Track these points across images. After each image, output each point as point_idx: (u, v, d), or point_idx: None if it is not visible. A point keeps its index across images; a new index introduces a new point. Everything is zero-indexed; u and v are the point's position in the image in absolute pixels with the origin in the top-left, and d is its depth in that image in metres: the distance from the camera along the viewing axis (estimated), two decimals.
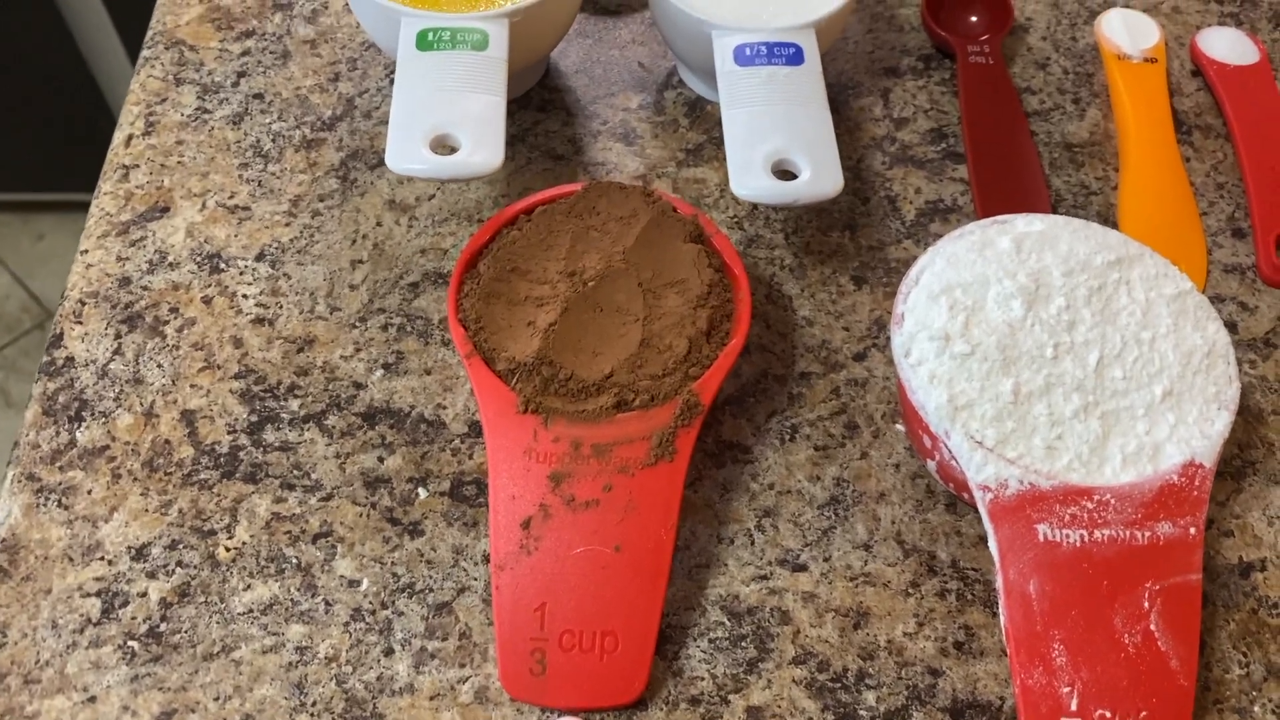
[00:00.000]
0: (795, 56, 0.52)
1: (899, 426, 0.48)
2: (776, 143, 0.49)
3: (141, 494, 0.46)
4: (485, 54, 0.50)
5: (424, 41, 0.51)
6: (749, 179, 0.48)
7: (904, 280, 0.46)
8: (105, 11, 1.20)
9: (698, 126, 0.58)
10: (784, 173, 0.50)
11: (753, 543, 0.45)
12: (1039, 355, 0.43)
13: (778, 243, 0.54)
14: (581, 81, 0.60)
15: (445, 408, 0.48)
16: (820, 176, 0.48)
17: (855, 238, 0.55)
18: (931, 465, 0.45)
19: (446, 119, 0.48)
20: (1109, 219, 0.55)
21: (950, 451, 0.42)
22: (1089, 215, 0.55)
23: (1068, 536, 0.40)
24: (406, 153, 0.47)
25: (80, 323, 0.50)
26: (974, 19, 0.62)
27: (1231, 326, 0.52)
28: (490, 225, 0.48)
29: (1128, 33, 0.60)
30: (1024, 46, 0.62)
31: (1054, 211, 0.55)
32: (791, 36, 0.53)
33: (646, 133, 0.58)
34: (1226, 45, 0.61)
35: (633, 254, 0.47)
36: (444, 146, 0.48)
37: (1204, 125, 0.59)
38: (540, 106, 0.59)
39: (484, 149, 0.48)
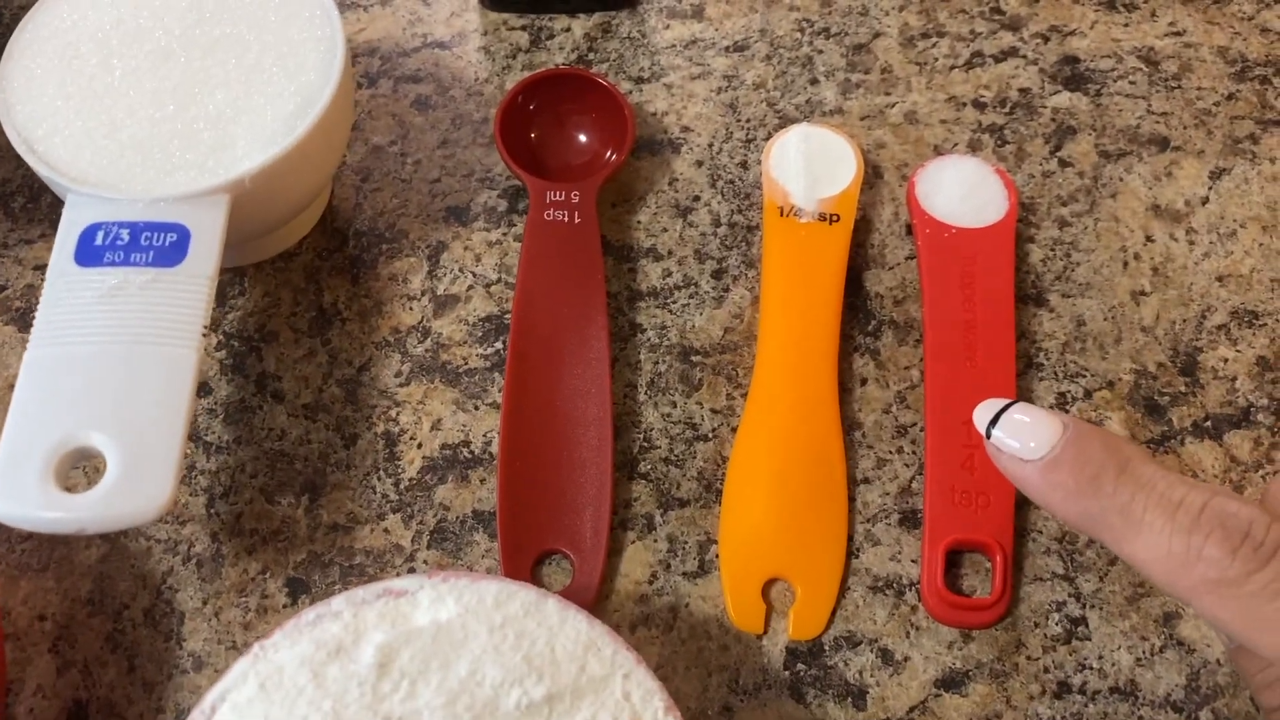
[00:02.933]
0: (173, 250, 0.32)
1: None
2: (82, 416, 0.30)
3: None
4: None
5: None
6: (14, 490, 0.29)
7: (195, 711, 0.27)
8: None
9: None
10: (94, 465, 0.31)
11: None
12: None
13: (194, 510, 0.36)
14: None
15: None
16: (134, 485, 0.29)
17: (316, 507, 0.36)
18: None
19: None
20: (714, 485, 0.36)
21: None
22: (686, 473, 0.36)
23: None
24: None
25: None
26: (580, 138, 0.42)
27: (858, 696, 0.33)
28: None
29: (805, 169, 0.40)
30: (667, 175, 0.42)
31: (616, 479, 0.36)
32: (176, 213, 0.33)
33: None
34: (957, 190, 0.40)
35: None
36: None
37: (904, 322, 0.39)
38: None
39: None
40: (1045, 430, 0.26)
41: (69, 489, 0.29)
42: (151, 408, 0.30)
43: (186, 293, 0.32)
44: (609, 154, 0.41)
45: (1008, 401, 0.27)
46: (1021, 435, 0.26)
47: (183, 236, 0.32)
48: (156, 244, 0.32)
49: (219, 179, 0.33)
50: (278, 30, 0.36)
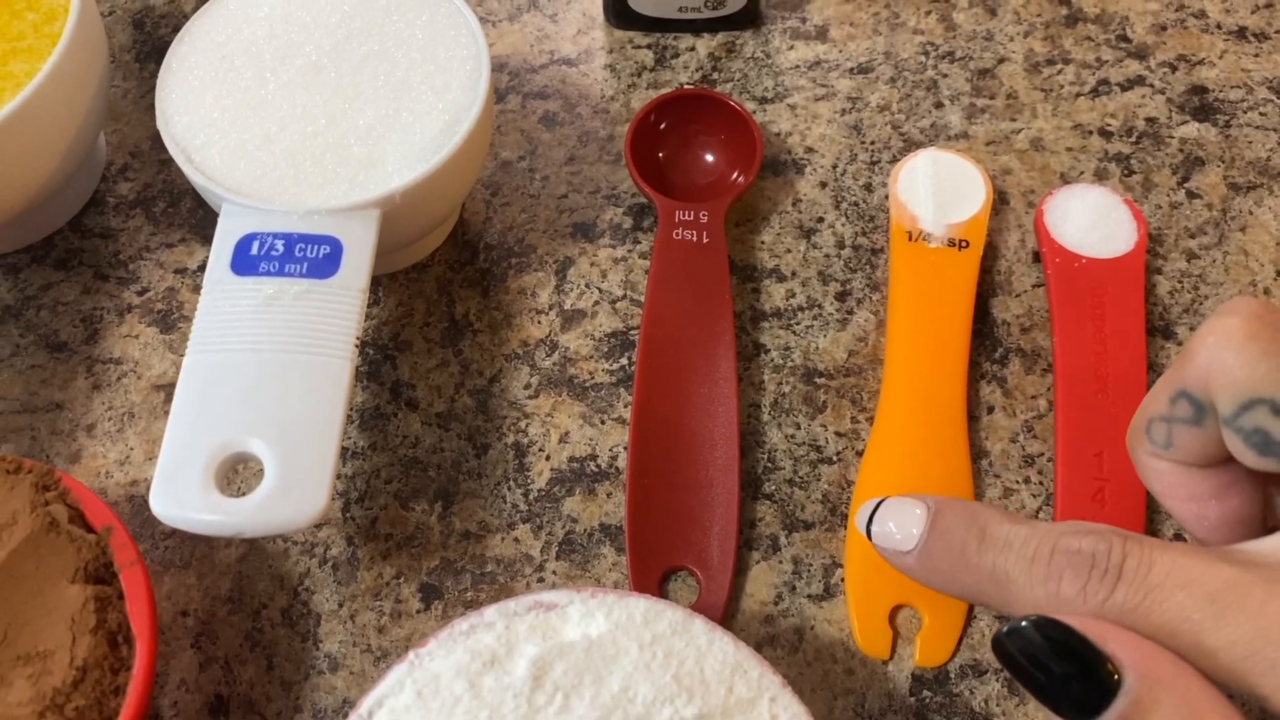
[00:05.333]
0: (326, 262, 0.33)
1: None
2: (240, 422, 0.31)
3: None
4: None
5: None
6: (176, 493, 0.30)
7: (352, 716, 0.28)
8: None
9: None
10: (248, 468, 0.32)
11: None
12: None
13: (331, 514, 0.37)
14: (136, 221, 0.42)
15: None
16: (290, 492, 0.30)
17: (449, 514, 0.36)
18: None
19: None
20: (839, 508, 0.36)
21: None
22: (810, 495, 0.36)
23: None
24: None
25: None
26: (707, 158, 0.42)
27: None
28: None
29: (933, 194, 0.40)
30: (790, 196, 0.42)
31: (741, 499, 0.36)
32: (329, 226, 0.34)
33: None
34: (1085, 219, 0.40)
35: None
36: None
37: (1031, 350, 0.39)
38: (61, 261, 0.41)
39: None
40: (909, 518, 0.27)
41: (226, 493, 0.30)
42: (307, 416, 0.31)
43: (340, 304, 0.33)
44: (735, 175, 0.41)
45: (879, 500, 0.28)
46: (892, 528, 0.27)
47: (335, 249, 0.33)
48: (310, 256, 0.33)
49: (370, 194, 0.34)
50: (425, 48, 0.37)
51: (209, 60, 0.37)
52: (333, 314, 0.33)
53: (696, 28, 0.45)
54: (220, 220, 0.34)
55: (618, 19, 0.45)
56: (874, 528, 0.27)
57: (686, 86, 0.44)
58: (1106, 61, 0.45)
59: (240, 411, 0.31)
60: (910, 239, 0.39)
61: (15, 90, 0.35)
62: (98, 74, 0.38)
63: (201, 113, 0.36)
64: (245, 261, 0.33)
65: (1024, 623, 0.23)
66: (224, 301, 0.33)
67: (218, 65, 0.36)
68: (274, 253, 0.33)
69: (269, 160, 0.35)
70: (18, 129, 0.35)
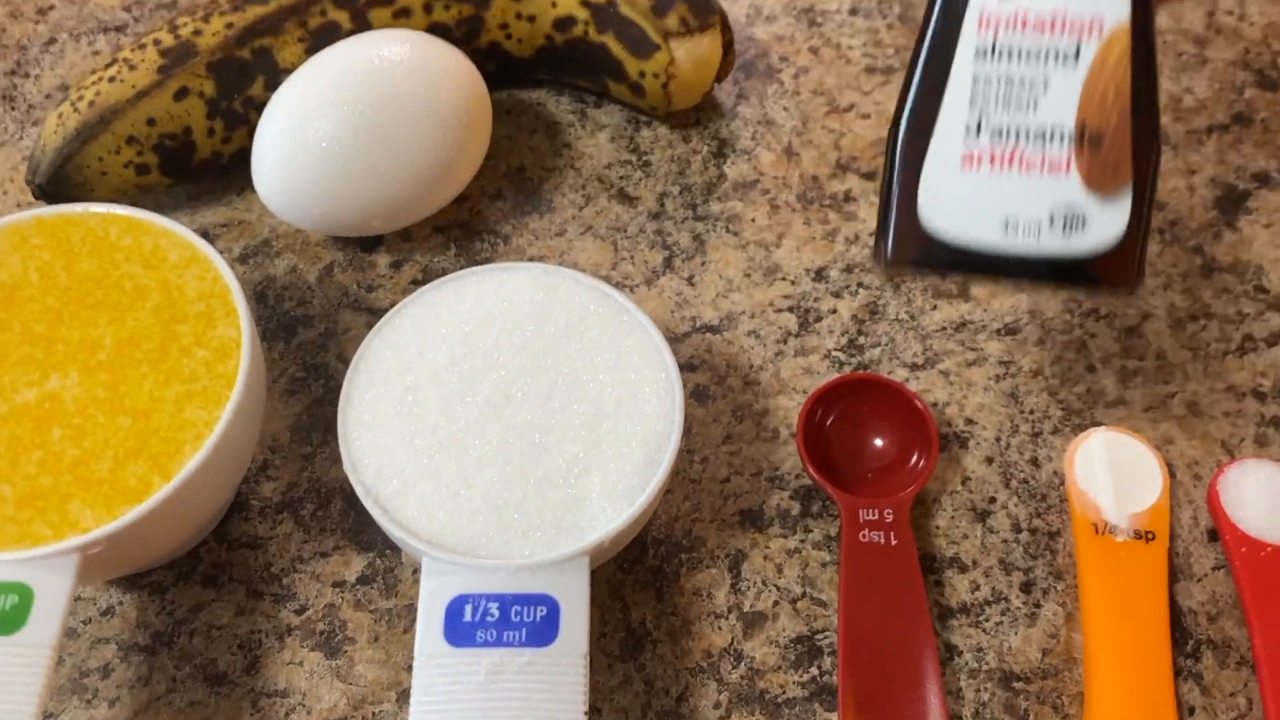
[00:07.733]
0: (544, 625, 0.32)
1: None
2: None
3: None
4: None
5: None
6: None
7: None
8: None
9: None
10: None
11: None
12: None
13: None
14: (284, 527, 0.40)
15: None
16: None
17: None
18: None
19: None
20: None
21: None
22: None
23: None
24: None
25: None
26: (877, 442, 0.41)
27: None
28: None
29: (1112, 480, 0.39)
30: (958, 474, 0.42)
31: None
32: (542, 583, 0.32)
33: (363, 630, 0.38)
34: (1265, 501, 0.40)
35: None
36: None
37: (1222, 641, 0.39)
38: (209, 578, 0.39)
39: None
40: None
41: None
42: None
43: (563, 675, 0.31)
44: (914, 461, 0.40)
45: None
46: None
47: (552, 610, 0.32)
48: (528, 620, 0.32)
49: (582, 541, 0.33)
50: (612, 370, 0.36)
51: (391, 392, 0.35)
52: (557, 686, 0.31)
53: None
54: (424, 578, 0.33)
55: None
56: None
57: (848, 371, 0.43)
58: (1248, 315, 0.45)
59: None
60: (1097, 532, 0.39)
61: (197, 441, 0.33)
62: (263, 402, 0.36)
63: (391, 454, 0.34)
64: (460, 630, 0.32)
65: None
66: (441, 680, 0.31)
67: (401, 397, 0.35)
68: (489, 618, 0.32)
69: (470, 507, 0.33)
70: (200, 481, 0.33)
